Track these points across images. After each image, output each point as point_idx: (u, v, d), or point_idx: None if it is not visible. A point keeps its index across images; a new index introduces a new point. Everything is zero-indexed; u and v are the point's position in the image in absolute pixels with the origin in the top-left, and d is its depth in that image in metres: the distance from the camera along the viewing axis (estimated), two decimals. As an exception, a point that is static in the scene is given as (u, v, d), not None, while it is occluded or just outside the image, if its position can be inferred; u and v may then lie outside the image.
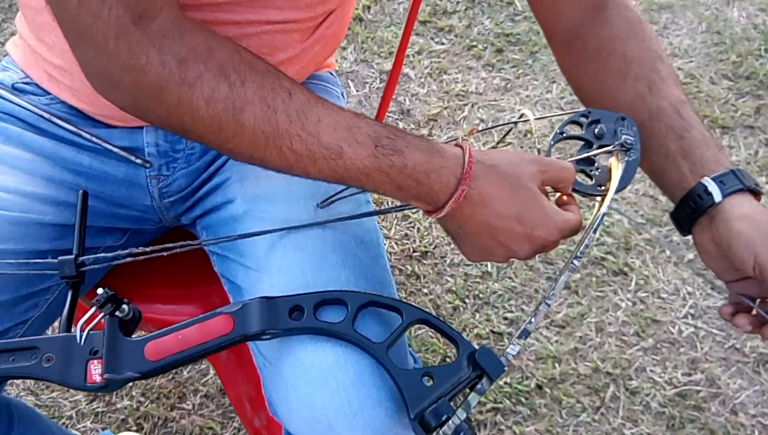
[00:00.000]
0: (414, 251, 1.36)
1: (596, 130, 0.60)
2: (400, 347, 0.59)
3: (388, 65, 1.78)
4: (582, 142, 0.61)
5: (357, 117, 0.50)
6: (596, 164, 0.60)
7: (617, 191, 0.57)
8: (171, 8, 0.46)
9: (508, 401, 1.16)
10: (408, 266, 1.33)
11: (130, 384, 1.16)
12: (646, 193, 1.48)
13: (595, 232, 0.54)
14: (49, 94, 0.67)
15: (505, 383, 1.17)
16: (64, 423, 1.11)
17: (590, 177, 0.60)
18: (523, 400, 1.16)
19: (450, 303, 1.28)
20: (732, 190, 0.55)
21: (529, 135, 1.56)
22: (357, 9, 1.93)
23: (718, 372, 1.21)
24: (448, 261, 1.34)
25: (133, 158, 0.66)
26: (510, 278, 1.32)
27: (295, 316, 0.52)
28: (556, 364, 1.20)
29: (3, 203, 0.61)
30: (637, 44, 0.62)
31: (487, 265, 1.33)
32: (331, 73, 0.82)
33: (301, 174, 0.51)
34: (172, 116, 0.47)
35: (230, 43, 0.48)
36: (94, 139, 0.66)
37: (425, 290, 1.30)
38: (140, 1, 0.44)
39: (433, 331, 1.15)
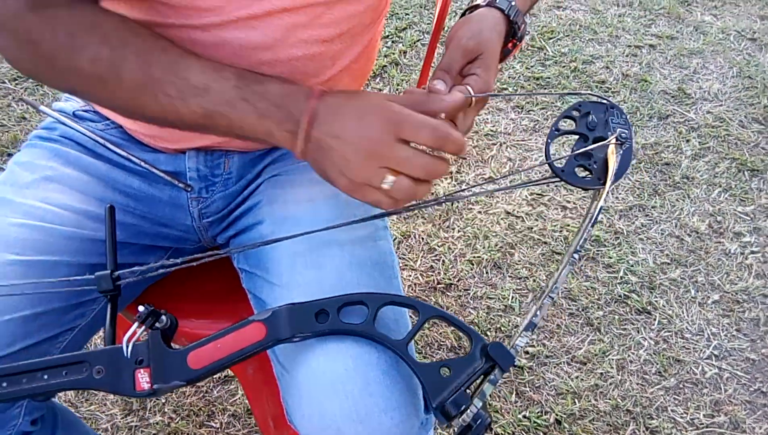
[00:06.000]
0: (438, 283, 1.40)
1: (588, 122, 0.63)
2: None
3: (420, 105, 1.85)
4: (577, 137, 0.64)
5: (224, 65, 0.57)
6: (593, 158, 0.62)
7: (614, 181, 0.59)
8: None
9: None
10: (432, 297, 1.37)
11: (163, 400, 1.22)
12: (671, 234, 1.49)
13: (593, 225, 0.57)
14: (106, 120, 0.75)
15: (524, 417, 1.19)
16: None
17: (590, 171, 0.62)
18: (541, 434, 1.17)
19: (472, 335, 1.31)
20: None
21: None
22: (394, 53, 2.03)
23: (742, 415, 1.20)
24: (471, 293, 1.38)
25: (176, 183, 0.73)
26: (532, 313, 1.34)
27: (321, 319, 0.56)
28: (576, 400, 1.21)
29: (60, 219, 0.68)
30: None
31: (509, 299, 1.36)
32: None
33: (175, 119, 0.57)
34: (63, 79, 0.57)
35: (117, 17, 0.58)
36: (142, 163, 0.73)
37: (448, 322, 1.33)
38: None
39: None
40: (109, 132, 0.75)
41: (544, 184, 0.68)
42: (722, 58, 1.97)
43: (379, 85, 1.92)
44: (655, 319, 1.33)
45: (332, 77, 0.72)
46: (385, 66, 1.99)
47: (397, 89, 1.88)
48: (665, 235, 1.49)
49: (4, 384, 0.54)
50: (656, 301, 1.36)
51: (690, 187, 1.60)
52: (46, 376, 0.55)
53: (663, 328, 1.32)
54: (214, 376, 1.25)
